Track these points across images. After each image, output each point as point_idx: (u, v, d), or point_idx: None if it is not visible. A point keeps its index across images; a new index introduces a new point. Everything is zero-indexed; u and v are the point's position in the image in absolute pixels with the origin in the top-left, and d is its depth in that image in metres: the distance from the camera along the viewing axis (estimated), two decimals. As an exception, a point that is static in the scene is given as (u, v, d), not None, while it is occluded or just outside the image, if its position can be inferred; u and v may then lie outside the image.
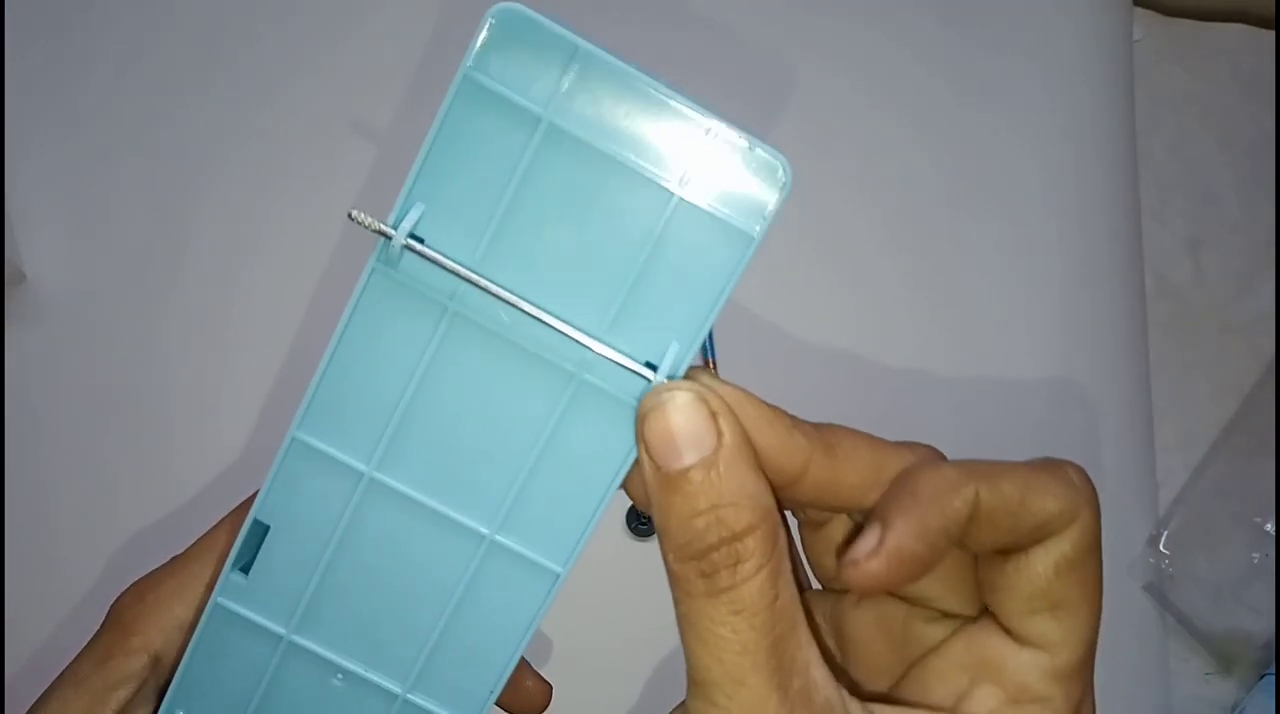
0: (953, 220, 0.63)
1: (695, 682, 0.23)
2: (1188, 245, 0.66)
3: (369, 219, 0.24)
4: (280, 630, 0.27)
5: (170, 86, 0.62)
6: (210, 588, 0.28)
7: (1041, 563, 0.25)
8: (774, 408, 0.26)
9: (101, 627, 0.32)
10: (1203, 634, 0.58)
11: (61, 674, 0.32)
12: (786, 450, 0.25)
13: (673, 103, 0.24)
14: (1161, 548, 0.59)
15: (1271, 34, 0.70)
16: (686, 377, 0.25)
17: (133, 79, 0.62)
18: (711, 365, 0.59)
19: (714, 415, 0.24)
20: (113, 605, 0.32)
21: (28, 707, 0.33)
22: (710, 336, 0.59)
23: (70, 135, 0.61)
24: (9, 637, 0.53)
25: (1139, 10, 0.69)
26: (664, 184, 0.24)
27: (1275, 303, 0.64)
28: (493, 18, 0.22)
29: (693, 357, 0.25)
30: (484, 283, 0.23)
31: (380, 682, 0.27)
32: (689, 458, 0.23)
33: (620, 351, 0.24)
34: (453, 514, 0.26)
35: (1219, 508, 0.60)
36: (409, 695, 0.27)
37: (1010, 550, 0.26)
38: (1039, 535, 0.25)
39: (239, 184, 0.61)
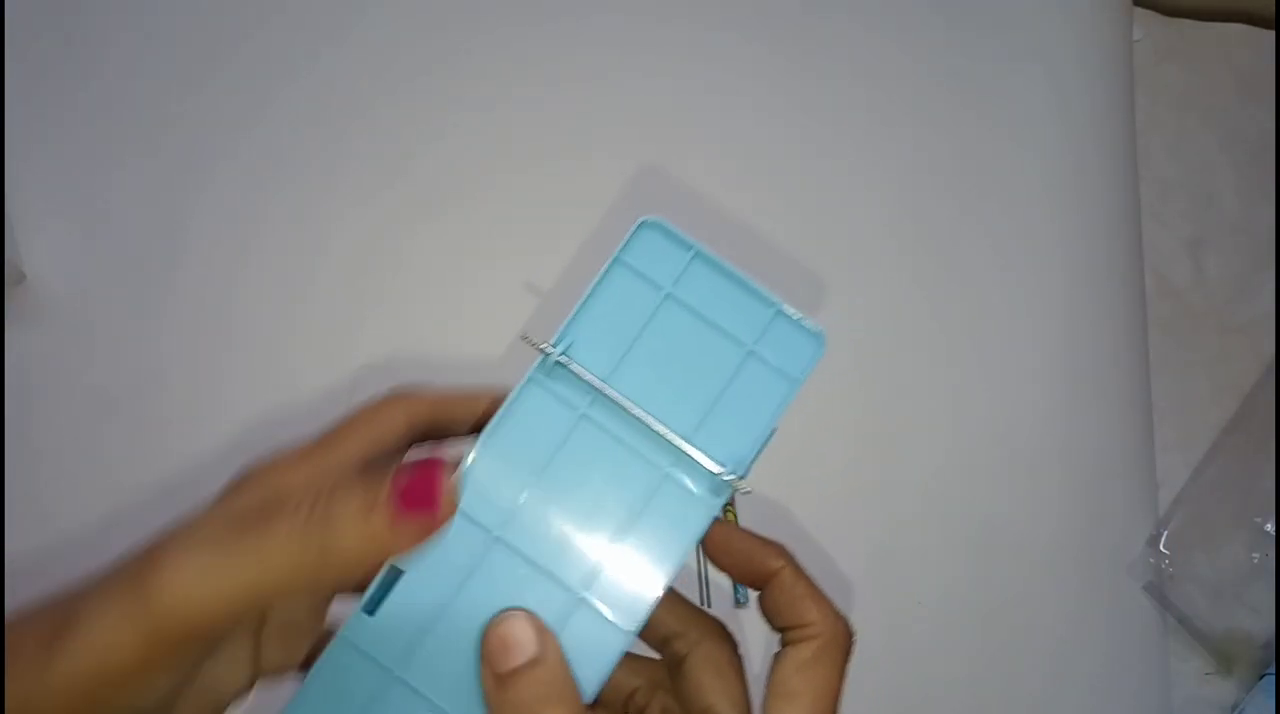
0: (953, 220, 0.63)
1: None
2: (1188, 245, 0.66)
3: (534, 341, 0.33)
4: (390, 666, 0.32)
5: (170, 87, 0.62)
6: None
7: (786, 662, 0.35)
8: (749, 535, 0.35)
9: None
10: (1202, 634, 0.58)
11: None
12: (764, 560, 0.36)
13: (755, 286, 0.35)
14: (1162, 548, 0.59)
15: (1271, 34, 0.70)
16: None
17: (133, 80, 0.62)
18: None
19: (540, 629, 0.31)
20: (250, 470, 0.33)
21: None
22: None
23: (70, 136, 0.61)
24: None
25: (1139, 10, 0.69)
26: (741, 342, 0.34)
27: (1275, 303, 0.64)
28: (640, 224, 0.34)
29: (750, 460, 0.34)
30: (609, 391, 0.33)
31: None
32: (518, 661, 0.30)
33: (700, 452, 0.33)
34: (554, 572, 0.33)
35: (1219, 508, 0.60)
36: None
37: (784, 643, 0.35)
38: (792, 638, 0.35)
39: (238, 184, 0.61)
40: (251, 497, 0.32)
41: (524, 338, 0.33)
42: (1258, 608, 0.58)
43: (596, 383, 0.33)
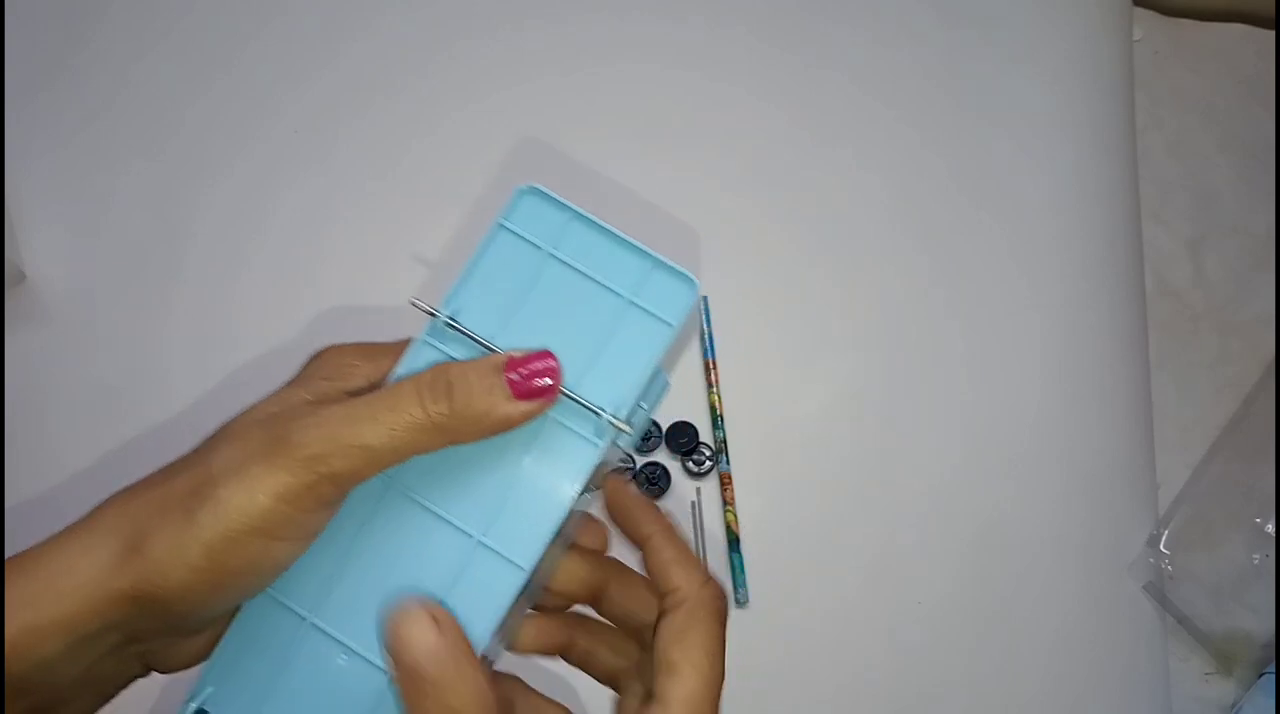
0: (953, 221, 0.63)
1: None
2: (1188, 245, 0.66)
3: (423, 303, 0.35)
4: (304, 613, 0.34)
5: (170, 89, 0.62)
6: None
7: (662, 633, 0.35)
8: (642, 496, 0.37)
9: (311, 361, 0.36)
10: (1202, 634, 0.58)
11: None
12: (644, 519, 0.37)
13: (632, 243, 0.36)
14: (1162, 548, 0.59)
15: (1271, 34, 0.70)
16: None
17: (133, 81, 0.62)
18: (712, 365, 0.59)
19: (437, 620, 0.32)
20: (321, 351, 0.36)
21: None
22: (710, 339, 0.59)
23: (71, 136, 0.61)
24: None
25: (1139, 10, 0.69)
26: (621, 293, 0.36)
27: (1275, 303, 0.64)
28: (519, 191, 0.36)
29: (630, 404, 0.35)
30: (495, 347, 0.35)
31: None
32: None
33: (585, 398, 0.35)
34: (452, 519, 0.35)
35: (1219, 508, 0.60)
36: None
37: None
38: (664, 606, 0.35)
39: (238, 185, 0.61)
40: (347, 376, 0.35)
41: (413, 302, 0.35)
42: (1257, 608, 0.58)
43: (483, 341, 0.35)
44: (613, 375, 0.35)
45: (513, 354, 0.34)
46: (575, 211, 0.36)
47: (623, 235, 0.36)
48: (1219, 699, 0.59)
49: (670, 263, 0.36)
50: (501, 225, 0.36)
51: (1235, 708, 0.58)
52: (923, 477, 0.59)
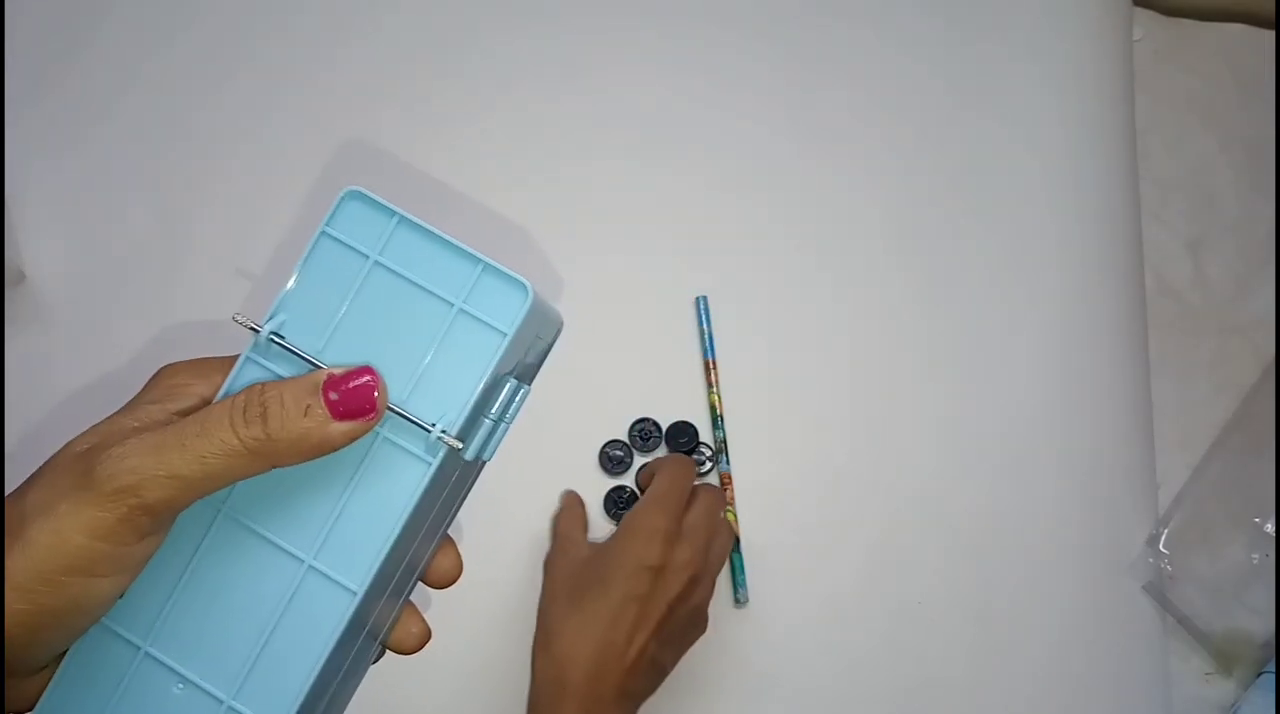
0: (953, 220, 0.63)
1: None
2: (1188, 245, 0.66)
3: (245, 318, 0.34)
4: (138, 642, 0.34)
5: (171, 89, 0.62)
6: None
7: None
8: None
9: (148, 384, 0.35)
10: (1202, 634, 0.58)
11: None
12: None
13: (461, 246, 0.34)
14: (1161, 547, 0.59)
15: (1271, 34, 0.70)
16: None
17: (133, 82, 0.62)
18: (712, 365, 0.59)
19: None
20: (158, 371, 0.35)
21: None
22: (710, 337, 0.59)
23: (71, 137, 0.61)
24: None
25: (1139, 10, 0.69)
26: (450, 301, 0.34)
27: (1275, 303, 0.64)
28: (342, 195, 0.34)
29: (462, 420, 0.34)
30: (319, 363, 0.33)
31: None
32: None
33: (413, 413, 0.34)
34: (282, 543, 0.34)
35: (1218, 508, 0.60)
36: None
37: None
38: None
39: (238, 185, 0.61)
40: (178, 397, 0.34)
41: (235, 318, 0.34)
42: (1257, 608, 0.58)
43: (308, 357, 0.34)
44: (444, 388, 0.34)
45: (333, 371, 0.32)
46: (401, 215, 0.34)
47: (450, 239, 0.34)
48: (1219, 699, 0.59)
49: (500, 267, 0.34)
50: (324, 232, 0.34)
51: (1234, 708, 0.58)
52: (923, 476, 0.59)
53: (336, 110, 0.62)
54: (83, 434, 0.33)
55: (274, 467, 0.31)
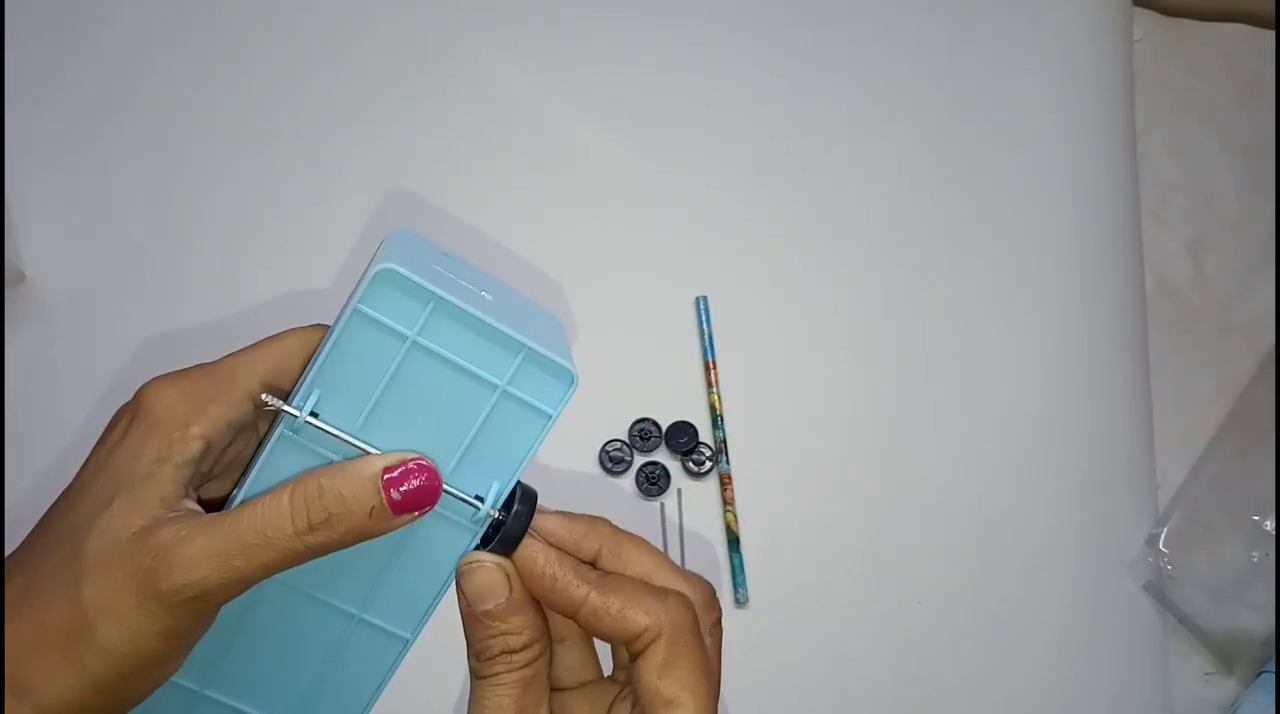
0: (952, 220, 0.63)
1: None
2: (1188, 245, 0.66)
3: (276, 402, 0.33)
4: (194, 686, 0.35)
5: (171, 89, 0.62)
6: (252, 398, 0.34)
7: (646, 670, 0.34)
8: (559, 561, 0.35)
9: (139, 418, 0.34)
10: (1203, 633, 0.58)
11: (104, 468, 0.33)
12: (566, 592, 0.34)
13: (504, 330, 0.33)
14: (1161, 547, 0.59)
15: (1271, 34, 0.70)
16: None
17: (133, 81, 0.62)
18: (712, 365, 0.59)
19: (508, 576, 0.34)
20: (145, 399, 0.34)
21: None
22: (710, 339, 0.59)
23: (71, 137, 0.61)
24: None
25: (1139, 10, 0.69)
26: (493, 381, 0.34)
27: (1275, 303, 0.64)
28: (375, 274, 0.32)
29: (507, 493, 0.35)
30: (364, 446, 0.33)
31: None
32: (489, 604, 0.34)
33: (458, 489, 0.34)
34: (331, 601, 0.36)
35: (1216, 506, 0.60)
36: None
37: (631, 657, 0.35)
38: (639, 646, 0.34)
39: (238, 185, 0.61)
40: (184, 449, 0.33)
41: (265, 400, 0.33)
42: (1258, 606, 0.58)
43: (346, 437, 0.33)
44: (488, 461, 0.35)
45: (386, 461, 0.32)
46: (440, 297, 0.33)
47: (493, 322, 0.33)
48: (1219, 699, 0.59)
49: (544, 352, 0.34)
50: (358, 310, 0.33)
51: (1235, 707, 0.58)
52: (923, 476, 0.59)
53: (337, 109, 0.62)
54: (110, 503, 0.32)
55: (328, 554, 0.33)
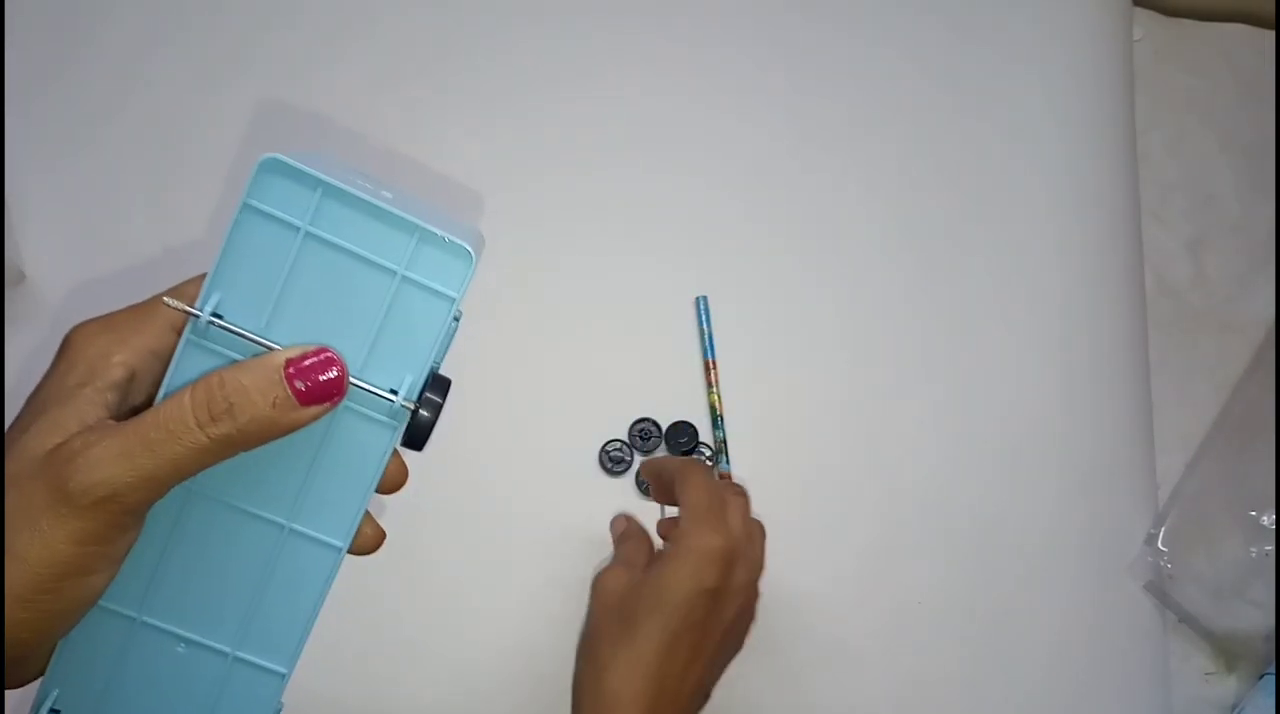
0: (952, 220, 0.63)
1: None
2: (1188, 245, 0.66)
3: (178, 304, 0.33)
4: (131, 614, 0.35)
5: (170, 88, 0.62)
6: (175, 331, 0.34)
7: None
8: None
9: (63, 353, 0.34)
10: (1205, 631, 0.58)
11: (30, 402, 0.34)
12: None
13: (394, 212, 0.33)
14: (1160, 545, 0.59)
15: (1271, 34, 0.70)
16: None
17: (133, 81, 0.62)
18: (712, 365, 0.59)
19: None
20: (71, 337, 0.35)
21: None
22: (710, 337, 0.59)
23: (71, 137, 0.61)
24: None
25: (1139, 10, 0.69)
26: (391, 267, 0.33)
27: (1275, 303, 0.64)
28: (260, 163, 0.33)
29: (421, 383, 0.34)
30: (267, 343, 0.33)
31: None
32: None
33: (371, 384, 0.34)
34: (258, 512, 0.35)
35: (1214, 504, 0.60)
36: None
37: None
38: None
39: (238, 184, 0.60)
40: (105, 373, 0.34)
41: (166, 302, 0.33)
42: (1259, 603, 0.58)
43: (255, 338, 0.33)
44: (396, 355, 0.34)
45: (289, 354, 0.32)
46: (327, 185, 0.33)
47: (382, 205, 0.33)
48: (1219, 699, 0.59)
49: (439, 233, 0.33)
50: (247, 204, 0.33)
51: (1238, 709, 0.58)
52: (923, 476, 0.59)
53: (337, 105, 0.62)
54: (30, 431, 0.32)
55: (243, 451, 0.32)
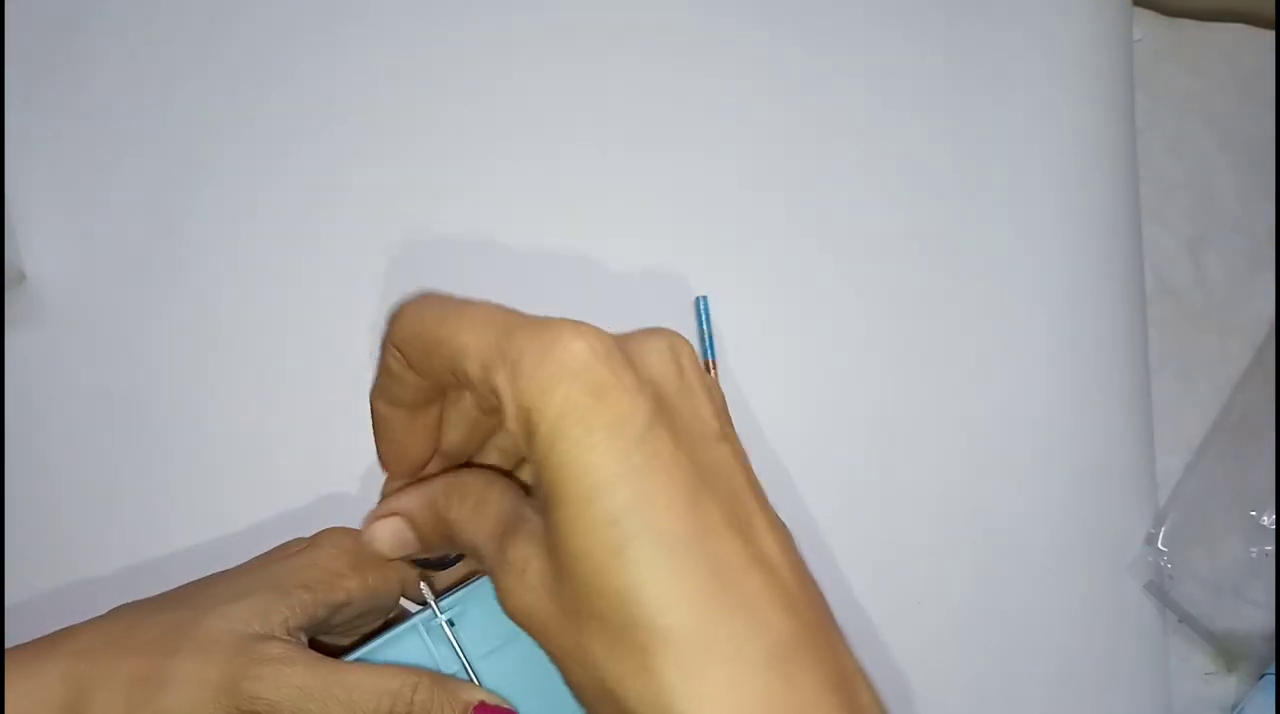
0: (951, 220, 0.63)
1: None
2: (1188, 245, 0.66)
3: (428, 593, 0.35)
4: None
5: (170, 86, 0.62)
6: (400, 582, 0.37)
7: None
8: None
9: (314, 544, 0.37)
10: (1206, 631, 0.58)
11: (261, 568, 0.36)
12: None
13: None
14: (1159, 545, 0.59)
15: (1271, 34, 0.70)
16: None
17: (133, 79, 0.62)
18: (712, 365, 0.59)
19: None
20: (327, 536, 0.38)
21: None
22: (710, 337, 0.59)
23: (70, 135, 0.61)
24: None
25: (1139, 10, 0.69)
26: None
27: (1275, 303, 0.64)
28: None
29: None
30: (474, 673, 0.34)
31: None
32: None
33: None
34: None
35: (1213, 503, 0.60)
36: None
37: None
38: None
39: (238, 184, 0.61)
40: (331, 592, 0.36)
41: (423, 588, 0.36)
42: (1260, 602, 0.58)
43: (465, 660, 0.35)
44: None
45: (485, 696, 0.33)
46: None
47: None
48: (1219, 699, 0.59)
49: None
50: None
51: (1236, 709, 0.58)
52: (922, 476, 0.59)
53: (336, 103, 0.62)
54: (245, 592, 0.34)
55: None
